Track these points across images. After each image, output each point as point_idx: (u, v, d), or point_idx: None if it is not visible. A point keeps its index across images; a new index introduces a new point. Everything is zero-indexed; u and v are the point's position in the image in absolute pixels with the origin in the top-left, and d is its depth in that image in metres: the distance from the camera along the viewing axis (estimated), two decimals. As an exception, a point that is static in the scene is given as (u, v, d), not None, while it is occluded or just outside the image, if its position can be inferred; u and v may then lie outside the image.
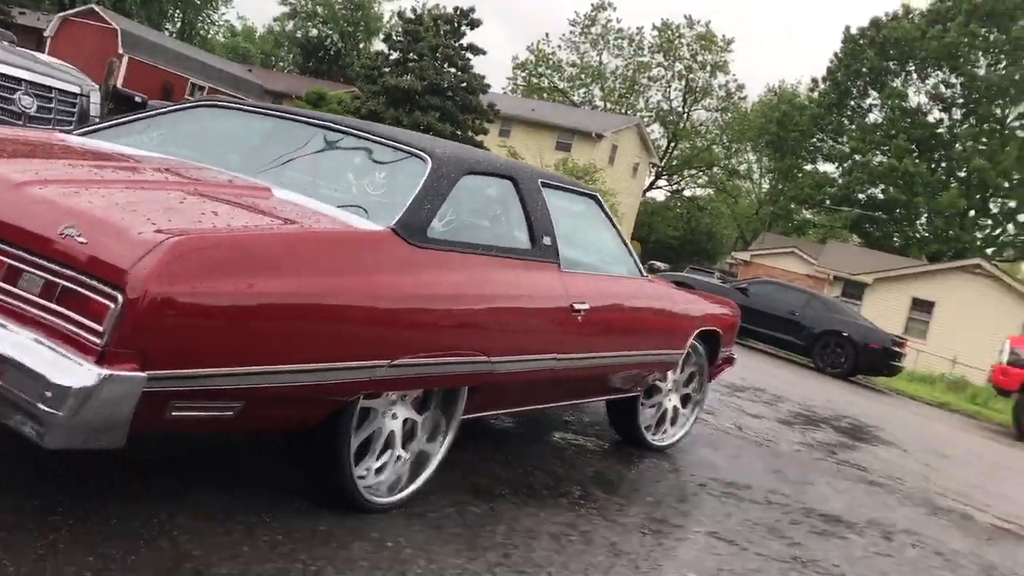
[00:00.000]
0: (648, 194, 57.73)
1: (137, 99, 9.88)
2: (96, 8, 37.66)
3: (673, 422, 5.29)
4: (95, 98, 6.20)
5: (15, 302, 2.13)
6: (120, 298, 2.01)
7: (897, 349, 15.61)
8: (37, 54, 6.59)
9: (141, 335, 2.02)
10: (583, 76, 61.04)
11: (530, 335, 3.44)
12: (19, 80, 5.59)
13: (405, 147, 3.27)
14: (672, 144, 60.29)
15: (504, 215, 3.59)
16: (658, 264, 41.34)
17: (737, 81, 61.03)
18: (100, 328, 2.01)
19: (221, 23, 63.45)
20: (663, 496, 4.28)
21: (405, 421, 3.15)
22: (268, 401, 2.43)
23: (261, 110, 3.69)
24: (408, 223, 2.87)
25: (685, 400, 5.37)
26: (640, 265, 4.51)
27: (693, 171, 61.36)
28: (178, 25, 56.46)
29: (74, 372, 1.95)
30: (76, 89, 5.98)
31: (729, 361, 5.74)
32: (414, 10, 35.12)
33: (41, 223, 2.17)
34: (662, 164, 58.56)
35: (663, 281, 5.18)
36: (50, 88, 5.76)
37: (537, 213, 3.62)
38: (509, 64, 70.40)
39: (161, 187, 2.66)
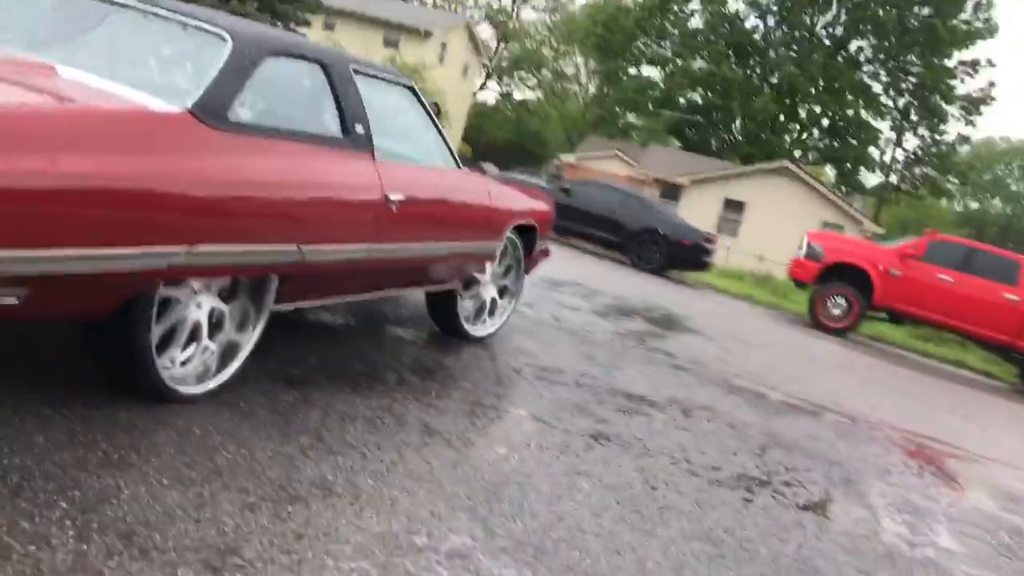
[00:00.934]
0: (478, 96, 57.46)
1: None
2: None
3: (492, 313, 5.44)
4: None
5: None
6: None
7: (708, 245, 16.51)
8: None
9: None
10: (411, -30, 59.23)
11: (342, 224, 3.42)
12: None
13: (205, 27, 3.11)
14: (502, 45, 59.93)
15: (313, 101, 3.51)
16: (488, 166, 41.54)
17: (566, -18, 60.89)
18: None
19: None
20: (478, 381, 4.43)
21: (211, 311, 3.09)
22: (59, 288, 2.32)
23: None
24: (206, 104, 2.76)
25: (503, 292, 5.52)
26: (457, 158, 4.53)
27: (523, 73, 61.40)
28: None
29: None
30: None
31: (545, 253, 5.91)
32: None
33: None
34: (492, 65, 58.22)
35: (480, 174, 5.24)
36: None
37: (349, 100, 3.56)
38: (333, -46, 67.29)
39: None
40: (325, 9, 34.06)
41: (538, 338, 6.11)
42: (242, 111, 2.93)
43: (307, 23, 31.37)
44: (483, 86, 58.31)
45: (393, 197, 3.67)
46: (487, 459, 3.32)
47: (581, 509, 3.07)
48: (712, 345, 8.52)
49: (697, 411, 5.21)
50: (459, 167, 4.51)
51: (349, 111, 3.52)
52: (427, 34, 39.37)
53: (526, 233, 5.42)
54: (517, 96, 62.62)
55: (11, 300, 2.24)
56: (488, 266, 5.16)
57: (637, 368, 6.05)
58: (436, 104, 10.67)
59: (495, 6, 59.49)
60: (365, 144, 3.58)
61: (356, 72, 3.71)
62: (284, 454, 2.79)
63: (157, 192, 2.49)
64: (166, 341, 2.92)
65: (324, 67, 3.50)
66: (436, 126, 4.42)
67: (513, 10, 59.23)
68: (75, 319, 2.65)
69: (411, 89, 4.28)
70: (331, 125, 3.47)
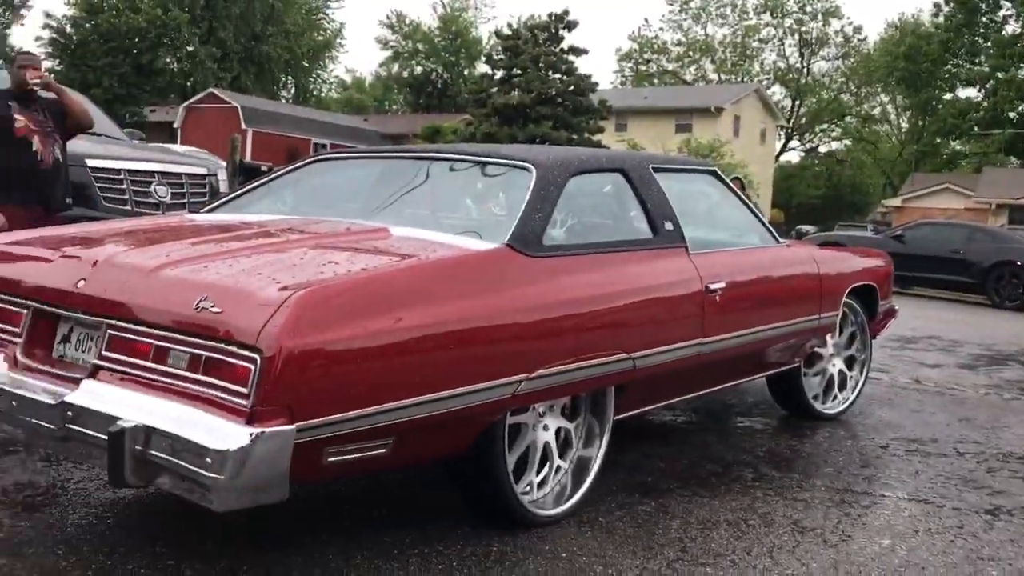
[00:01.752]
0: (782, 158, 55.94)
1: (263, 168, 10.38)
2: (215, 91, 39.94)
3: (842, 387, 5.06)
4: (222, 175, 6.57)
5: (168, 380, 2.25)
6: (258, 359, 2.09)
7: (1083, 268, 14.42)
8: (167, 145, 7.05)
9: (283, 390, 2.09)
10: (691, 53, 59.91)
11: (668, 324, 3.36)
12: (151, 173, 5.99)
13: (509, 162, 3.28)
14: (797, 102, 58.21)
15: (620, 208, 3.54)
16: (805, 228, 39.90)
17: (853, 24, 58.37)
18: (245, 390, 2.10)
19: (331, 80, 66.06)
20: (843, 465, 4.08)
21: (558, 431, 3.14)
22: (417, 432, 2.47)
23: (365, 155, 3.79)
24: (521, 235, 2.87)
25: (851, 362, 5.13)
26: (774, 231, 4.35)
27: (824, 125, 59.05)
28: (292, 91, 59.12)
29: (228, 436, 2.04)
30: (203, 171, 6.35)
31: (891, 313, 5.45)
32: (509, 26, 35.40)
33: (177, 302, 2.29)
34: (790, 125, 56.61)
35: (803, 244, 4.98)
36: (180, 174, 6.15)
37: (653, 199, 3.55)
38: (614, 58, 69.82)
39: (283, 247, 2.76)
40: (615, 112, 35.34)
41: (900, 405, 5.58)
42: (555, 234, 3.02)
43: (600, 130, 32.67)
44: (784, 147, 56.76)
45: (713, 287, 3.56)
46: (870, 553, 3.00)
47: (996, 603, 2.66)
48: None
49: (1116, 466, 4.42)
50: (777, 242, 4.31)
51: (655, 210, 3.51)
52: (717, 111, 39.30)
53: (865, 295, 5.03)
54: (823, 149, 60.19)
55: (382, 451, 2.41)
56: (829, 338, 4.83)
57: (1026, 424, 5.30)
58: (739, 179, 10.47)
59: (782, 66, 58.17)
60: (677, 239, 3.53)
61: (656, 170, 3.70)
62: (652, 571, 2.71)
63: (491, 327, 2.60)
64: (520, 467, 3.00)
65: (624, 173, 3.53)
66: (747, 204, 4.28)
67: (802, 66, 57.52)
68: (436, 460, 2.80)
69: (714, 173, 4.20)
70: (640, 227, 3.47)
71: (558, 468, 3.14)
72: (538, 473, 3.07)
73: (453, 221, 3.16)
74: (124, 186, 5.92)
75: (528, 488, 3.02)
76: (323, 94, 63.87)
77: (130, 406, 2.22)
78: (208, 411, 2.13)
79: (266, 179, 3.86)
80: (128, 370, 2.33)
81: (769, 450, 4.26)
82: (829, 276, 4.54)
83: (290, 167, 3.90)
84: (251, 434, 2.03)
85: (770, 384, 4.87)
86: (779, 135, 53.05)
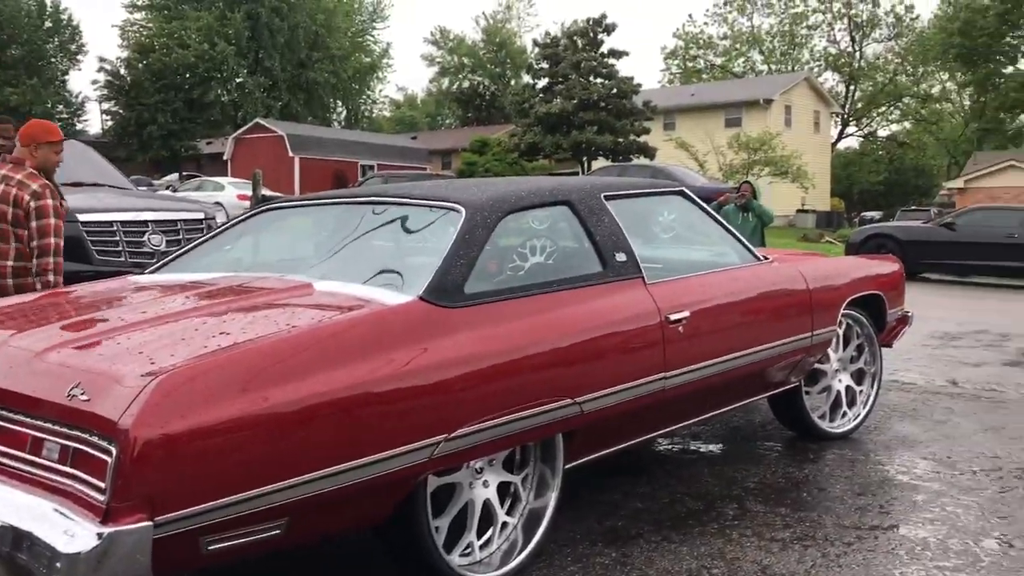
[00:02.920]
0: (840, 145, 54.58)
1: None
2: (261, 121, 40.59)
3: (851, 403, 4.79)
4: (221, 218, 6.55)
5: (41, 473, 2.16)
6: (113, 450, 1.99)
7: None
8: (164, 192, 7.08)
9: (140, 483, 1.98)
10: (738, 45, 58.84)
11: (620, 362, 3.17)
12: (145, 222, 6.00)
13: (439, 203, 3.15)
14: (851, 87, 56.77)
15: (564, 243, 3.37)
16: (870, 214, 38.77)
17: (904, 2, 56.47)
18: (102, 484, 2.00)
19: (381, 100, 66.70)
20: (837, 496, 3.83)
21: (503, 485, 2.98)
22: (317, 509, 2.34)
23: (310, 202, 3.70)
24: (439, 286, 2.73)
25: (860, 376, 4.85)
26: (753, 250, 4.12)
27: (882, 109, 57.44)
28: (343, 114, 59.85)
29: (79, 537, 1.94)
30: (200, 216, 6.35)
31: (904, 321, 5.14)
32: (547, 34, 35.28)
33: (53, 389, 2.20)
34: (846, 111, 55.22)
35: (794, 257, 4.74)
36: (175, 221, 6.15)
37: (603, 231, 3.37)
38: (660, 56, 69.01)
39: (188, 315, 2.66)
40: (661, 111, 34.90)
41: (923, 416, 5.27)
42: (480, 281, 2.86)
43: (646, 131, 32.28)
44: (841, 134, 55.37)
45: (675, 317, 3.36)
46: (838, 605, 2.77)
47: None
48: None
49: None
50: (758, 260, 4.08)
51: (605, 242, 3.33)
52: (767, 102, 38.49)
53: (872, 305, 4.75)
54: (882, 133, 58.59)
55: (274, 532, 2.28)
56: (832, 353, 4.57)
57: (1058, 431, 4.94)
58: (748, 183, 10.12)
59: (833, 52, 56.84)
60: (630, 270, 3.35)
61: (610, 198, 3.53)
62: (587, 639, 2.53)
63: (395, 390, 2.46)
64: (461, 527, 2.85)
65: (570, 205, 3.36)
66: (721, 225, 4.06)
67: (855, 50, 56.10)
68: (352, 532, 2.67)
69: (682, 194, 3.99)
70: (588, 262, 3.29)
71: (504, 524, 2.98)
72: (482, 532, 2.92)
73: (382, 271, 3.02)
74: (117, 238, 5.94)
75: (469, 550, 2.87)
76: (374, 115, 64.53)
77: (3, 502, 2.14)
78: (70, 508, 2.03)
79: (218, 231, 3.80)
80: (8, 462, 2.25)
81: (761, 480, 4.02)
82: (820, 290, 4.28)
83: (238, 218, 3.83)
84: (101, 534, 1.92)
85: (772, 405, 4.64)
86: (834, 122, 51.76)
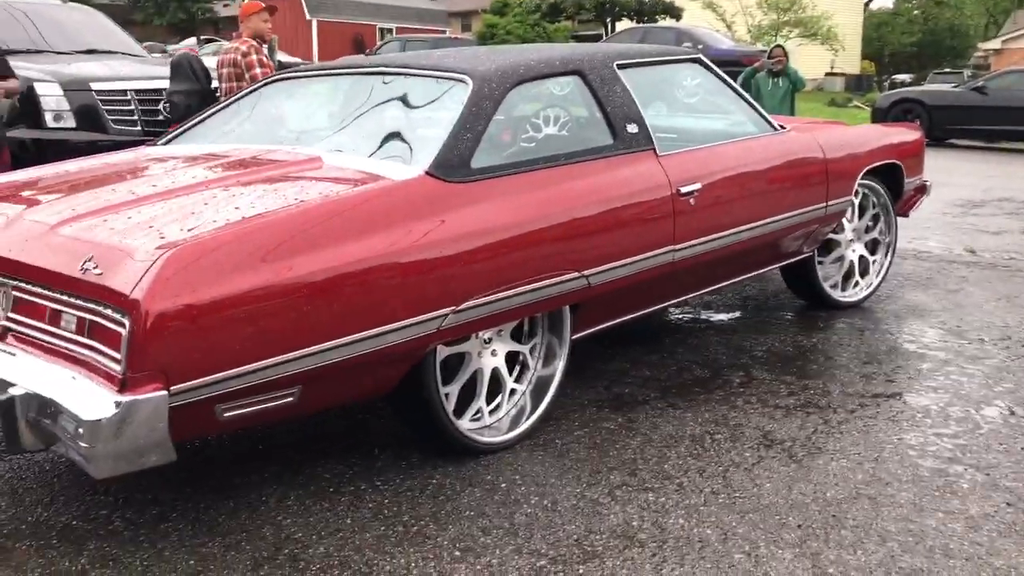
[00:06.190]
0: (872, 5, 52.37)
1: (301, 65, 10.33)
2: (276, -18, 39.36)
3: (864, 272, 4.80)
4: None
5: (61, 343, 2.24)
6: (127, 322, 2.05)
7: None
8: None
9: (153, 355, 2.05)
10: None
11: (628, 235, 3.18)
12: (160, 91, 5.96)
13: (446, 74, 3.10)
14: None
15: (575, 115, 3.33)
16: (900, 78, 37.62)
17: None
18: (118, 355, 2.07)
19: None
20: (843, 364, 3.90)
21: (511, 355, 3.06)
22: (328, 379, 2.42)
23: (318, 73, 3.65)
24: (444, 161, 2.72)
25: (874, 246, 4.84)
26: (770, 119, 4.05)
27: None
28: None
29: (99, 405, 2.02)
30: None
31: (921, 190, 5.09)
32: None
33: (67, 263, 2.25)
34: (881, -33, 52.74)
35: (813, 125, 4.66)
36: (188, 89, 6.07)
37: (615, 101, 3.32)
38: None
39: (199, 188, 2.68)
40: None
41: (937, 285, 5.28)
42: (487, 155, 2.85)
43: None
44: (875, -8, 53.04)
45: (686, 189, 3.35)
46: (833, 469, 2.86)
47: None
48: None
49: None
50: (775, 129, 4.01)
51: (616, 113, 3.28)
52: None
53: (889, 174, 4.70)
54: (918, -10, 56.01)
55: (288, 400, 2.37)
56: (846, 222, 4.56)
57: (1071, 301, 4.95)
58: (780, 47, 9.78)
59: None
60: (642, 142, 3.32)
61: (623, 67, 3.45)
62: (589, 499, 2.65)
63: (402, 263, 2.49)
64: (471, 394, 2.94)
65: (581, 75, 3.30)
66: (737, 92, 3.98)
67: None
68: (363, 399, 2.76)
69: (698, 61, 3.90)
70: (599, 134, 3.26)
71: (513, 391, 3.07)
72: (491, 398, 3.01)
73: (390, 144, 3.01)
74: (132, 107, 5.91)
75: (479, 415, 2.97)
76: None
77: (27, 371, 2.23)
78: (90, 377, 2.12)
79: (227, 103, 3.77)
80: (30, 332, 2.33)
81: (769, 349, 4.09)
82: (837, 160, 4.23)
83: (249, 89, 3.80)
84: (117, 403, 2.00)
85: (784, 274, 4.66)
86: (869, -21, 49.52)
